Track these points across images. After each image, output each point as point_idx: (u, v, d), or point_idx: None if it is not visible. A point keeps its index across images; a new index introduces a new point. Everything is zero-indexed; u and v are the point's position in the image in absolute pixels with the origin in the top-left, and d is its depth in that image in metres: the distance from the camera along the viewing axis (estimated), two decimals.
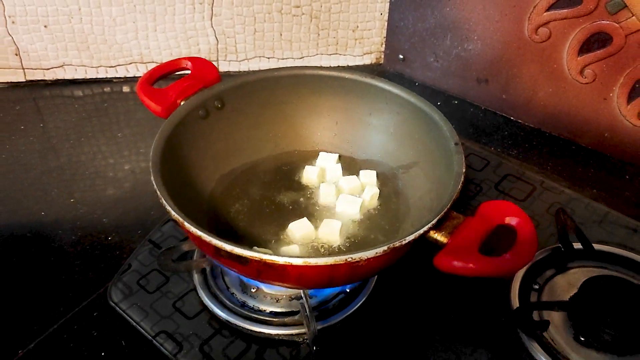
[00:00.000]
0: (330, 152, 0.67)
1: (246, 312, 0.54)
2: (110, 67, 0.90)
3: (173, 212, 0.46)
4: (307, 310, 0.52)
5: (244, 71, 0.94)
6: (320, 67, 0.66)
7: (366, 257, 0.44)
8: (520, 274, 0.57)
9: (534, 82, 0.81)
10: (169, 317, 0.54)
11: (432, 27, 0.87)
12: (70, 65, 0.89)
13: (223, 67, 0.93)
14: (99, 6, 0.84)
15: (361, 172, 0.64)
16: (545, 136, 0.83)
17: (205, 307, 0.55)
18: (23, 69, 0.88)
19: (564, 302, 0.55)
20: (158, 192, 0.48)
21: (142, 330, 0.54)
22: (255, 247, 0.45)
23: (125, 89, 0.90)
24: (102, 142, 0.80)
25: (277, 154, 0.67)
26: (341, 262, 0.43)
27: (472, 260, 0.43)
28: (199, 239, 0.45)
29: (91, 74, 0.90)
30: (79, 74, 0.90)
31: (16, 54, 0.87)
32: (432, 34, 0.87)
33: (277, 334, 0.53)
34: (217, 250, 0.44)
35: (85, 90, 0.90)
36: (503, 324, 0.54)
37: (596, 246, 0.59)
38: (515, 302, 0.55)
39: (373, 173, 0.63)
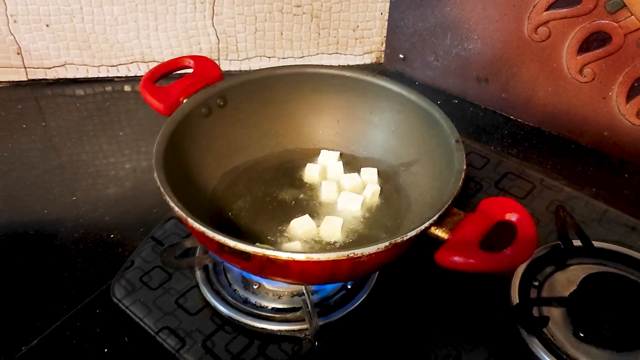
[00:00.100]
0: (331, 150, 0.67)
1: (248, 309, 0.55)
2: (111, 66, 0.91)
3: (177, 209, 0.47)
4: (309, 306, 0.52)
5: (245, 70, 0.94)
6: (322, 66, 0.66)
7: (368, 253, 0.44)
8: (520, 271, 0.57)
9: (533, 81, 0.81)
10: (171, 313, 0.55)
11: (432, 26, 0.87)
12: (72, 64, 0.89)
13: (224, 67, 0.93)
14: (101, 5, 0.84)
15: (362, 169, 0.64)
16: (544, 135, 0.83)
17: (207, 304, 0.56)
18: (25, 68, 0.89)
19: (564, 298, 0.55)
20: (162, 189, 0.48)
21: (145, 326, 0.54)
22: (257, 244, 0.45)
23: (127, 88, 0.91)
24: (103, 141, 0.80)
25: (279, 152, 0.67)
26: (343, 258, 0.44)
27: (472, 255, 0.44)
28: (202, 235, 0.45)
29: (93, 73, 0.91)
30: (81, 73, 0.90)
31: (18, 53, 0.87)
32: (432, 34, 0.88)
33: (279, 330, 0.53)
34: (221, 246, 0.45)
35: (87, 89, 0.90)
36: (503, 320, 0.54)
37: (595, 243, 0.60)
38: (515, 299, 0.55)
39: (374, 170, 0.64)
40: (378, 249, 0.44)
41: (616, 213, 0.67)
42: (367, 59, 0.97)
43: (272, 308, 0.55)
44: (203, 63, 0.63)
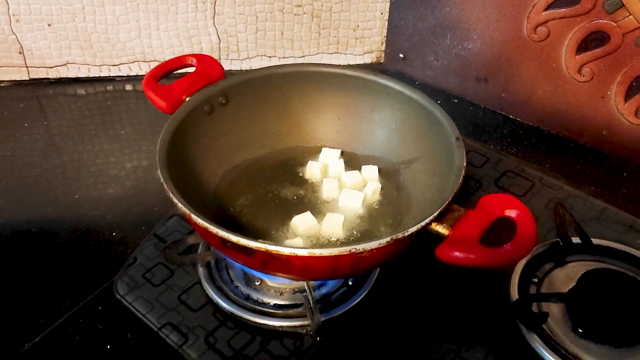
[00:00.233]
0: (332, 148, 0.67)
1: (250, 305, 0.55)
2: (113, 65, 0.91)
3: (180, 205, 0.47)
4: (311, 302, 0.52)
5: (247, 69, 0.94)
6: (323, 64, 0.66)
7: (370, 248, 0.44)
8: (519, 267, 0.58)
9: (532, 80, 0.82)
10: (174, 309, 0.55)
11: (432, 26, 0.88)
12: (74, 63, 0.90)
13: (225, 66, 0.92)
14: (103, 5, 0.85)
15: (363, 167, 0.64)
16: (544, 134, 0.84)
17: (210, 300, 0.56)
18: (27, 67, 0.89)
19: (563, 294, 0.55)
20: (165, 186, 0.49)
21: (148, 322, 0.54)
22: (260, 240, 0.46)
23: (128, 87, 0.91)
24: (104, 140, 0.80)
25: (281, 150, 0.68)
26: (345, 253, 0.44)
27: (473, 251, 0.44)
28: (205, 230, 0.46)
29: (94, 73, 0.91)
30: (82, 73, 0.91)
31: (20, 53, 0.87)
32: (432, 33, 0.88)
33: (281, 326, 0.54)
34: (224, 242, 0.45)
35: (89, 88, 0.90)
36: (503, 316, 0.55)
37: (594, 241, 0.60)
38: (515, 295, 0.55)
39: (375, 168, 0.64)
40: (380, 244, 0.44)
41: (615, 211, 0.67)
42: (367, 59, 0.97)
43: (274, 304, 0.55)
44: (205, 61, 0.64)
